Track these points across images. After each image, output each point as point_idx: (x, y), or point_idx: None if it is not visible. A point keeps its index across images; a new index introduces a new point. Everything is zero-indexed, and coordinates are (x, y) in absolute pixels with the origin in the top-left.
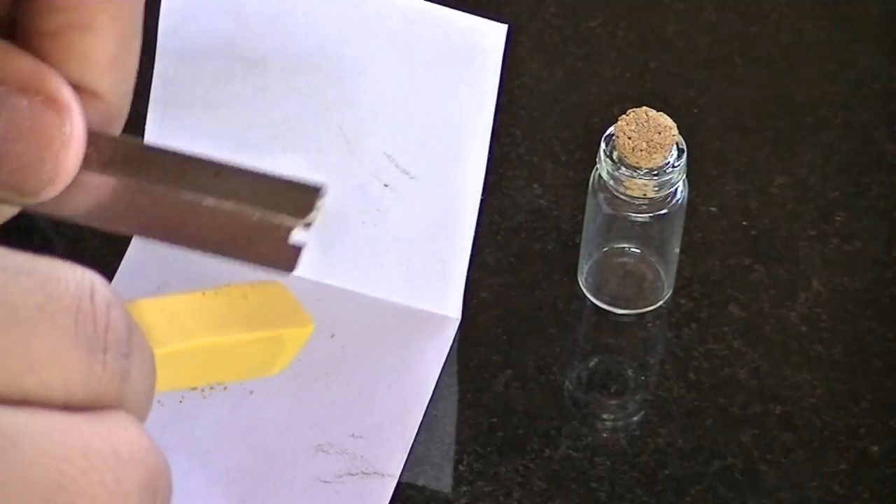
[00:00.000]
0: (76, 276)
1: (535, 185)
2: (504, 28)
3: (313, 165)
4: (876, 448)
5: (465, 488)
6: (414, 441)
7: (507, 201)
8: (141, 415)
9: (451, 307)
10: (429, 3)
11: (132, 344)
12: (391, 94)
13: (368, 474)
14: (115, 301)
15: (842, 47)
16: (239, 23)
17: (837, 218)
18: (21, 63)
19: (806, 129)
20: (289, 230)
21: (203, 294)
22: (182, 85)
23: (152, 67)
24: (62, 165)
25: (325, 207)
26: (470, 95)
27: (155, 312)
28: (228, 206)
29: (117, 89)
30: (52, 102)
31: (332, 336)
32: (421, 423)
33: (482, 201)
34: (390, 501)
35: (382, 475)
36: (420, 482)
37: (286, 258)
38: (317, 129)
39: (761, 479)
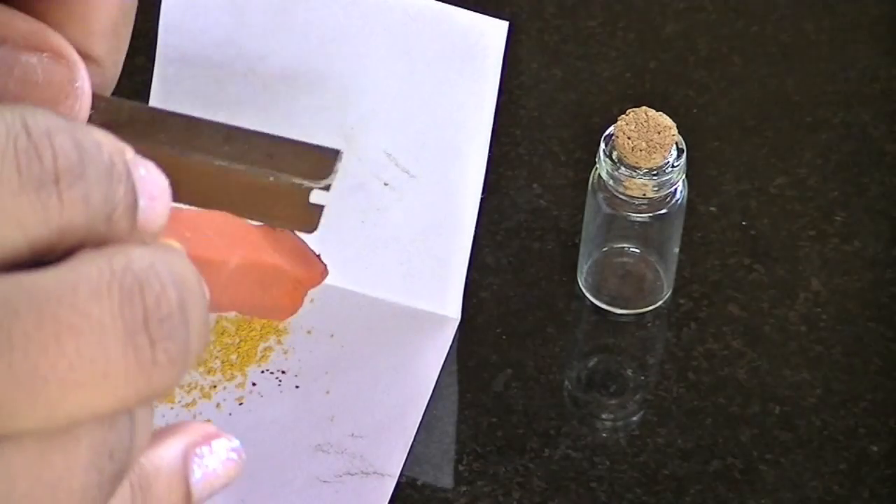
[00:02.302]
0: (3, 119)
1: (535, 185)
2: (505, 25)
3: None
4: (875, 448)
5: (464, 488)
6: (413, 441)
7: (506, 201)
8: (139, 226)
9: (451, 307)
10: (430, 1)
11: (86, 163)
12: (391, 92)
13: (368, 474)
14: (56, 126)
15: (842, 47)
16: (239, 21)
17: (837, 218)
18: (23, 23)
19: (806, 129)
20: (308, 191)
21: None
22: (182, 83)
23: (152, 66)
24: (76, 118)
25: (340, 172)
26: (470, 93)
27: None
28: (241, 167)
29: (113, 56)
30: (59, 58)
31: (332, 336)
32: (421, 423)
33: (482, 200)
34: (390, 501)
35: (382, 475)
36: (420, 482)
37: (307, 218)
38: (317, 127)
39: (761, 479)
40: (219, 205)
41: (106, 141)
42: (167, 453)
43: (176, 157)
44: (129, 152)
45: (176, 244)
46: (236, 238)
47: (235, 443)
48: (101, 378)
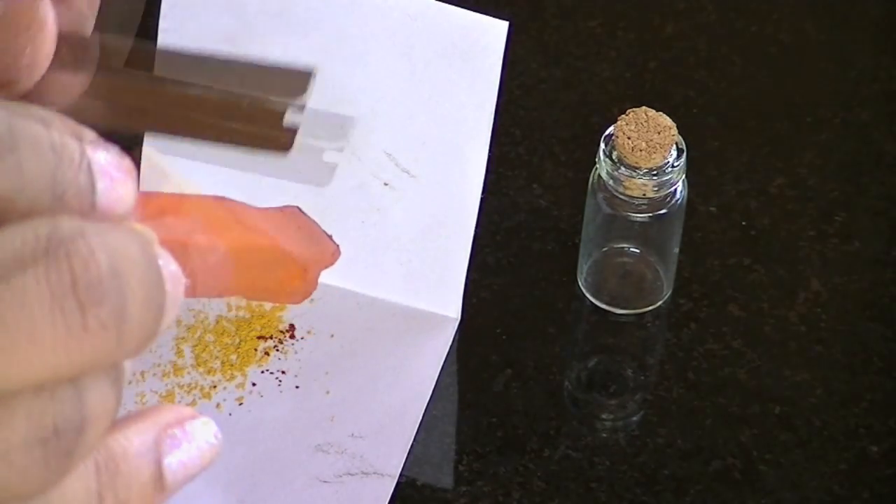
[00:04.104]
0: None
1: (535, 185)
2: (505, 25)
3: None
4: (875, 448)
5: (464, 488)
6: (413, 441)
7: (506, 201)
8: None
9: (451, 307)
10: (430, 1)
11: (18, 137)
12: (392, 91)
13: (368, 474)
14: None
15: (842, 47)
16: (240, 21)
17: (837, 218)
18: None
19: (806, 129)
20: (282, 112)
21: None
22: None
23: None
24: (39, 50)
25: (315, 88)
26: (471, 93)
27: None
28: (215, 93)
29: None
30: None
31: (332, 336)
32: (421, 423)
33: (482, 200)
34: (390, 501)
35: (382, 475)
36: (420, 482)
37: (282, 139)
38: None
39: (760, 479)
40: (194, 132)
41: (58, 121)
42: (138, 434)
43: (147, 88)
44: (88, 135)
45: (145, 229)
46: (228, 222)
47: (212, 426)
48: (28, 343)
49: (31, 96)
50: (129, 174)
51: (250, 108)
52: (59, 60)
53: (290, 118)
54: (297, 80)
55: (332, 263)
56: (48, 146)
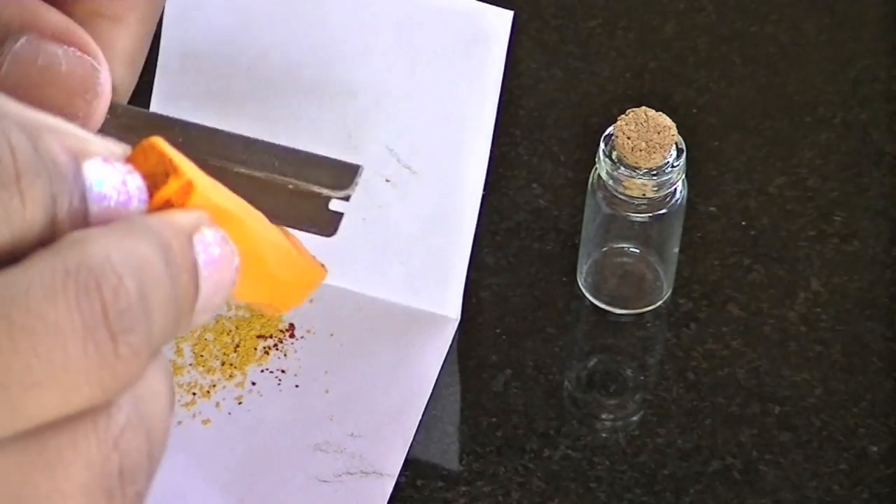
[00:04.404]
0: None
1: (535, 185)
2: (510, 15)
3: None
4: (875, 448)
5: (464, 488)
6: (413, 441)
7: (506, 201)
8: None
9: (451, 307)
10: None
11: (44, 161)
12: (394, 85)
13: (367, 474)
14: (7, 126)
15: (841, 47)
16: (243, 15)
17: (836, 218)
18: (53, 16)
19: (805, 129)
20: (327, 199)
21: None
22: (185, 77)
23: (155, 61)
24: (94, 115)
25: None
26: (473, 87)
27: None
28: (260, 175)
29: (128, 82)
30: (84, 53)
31: (332, 335)
32: (420, 423)
33: (483, 198)
34: (389, 501)
35: (381, 475)
36: (419, 482)
37: (326, 222)
38: (320, 121)
39: (760, 479)
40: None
41: (57, 141)
42: (179, 218)
43: (192, 161)
44: (93, 149)
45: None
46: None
47: (232, 244)
48: (62, 376)
49: None
50: (136, 192)
51: (297, 192)
52: (105, 127)
53: (334, 205)
54: (343, 174)
55: (320, 282)
56: (59, 170)
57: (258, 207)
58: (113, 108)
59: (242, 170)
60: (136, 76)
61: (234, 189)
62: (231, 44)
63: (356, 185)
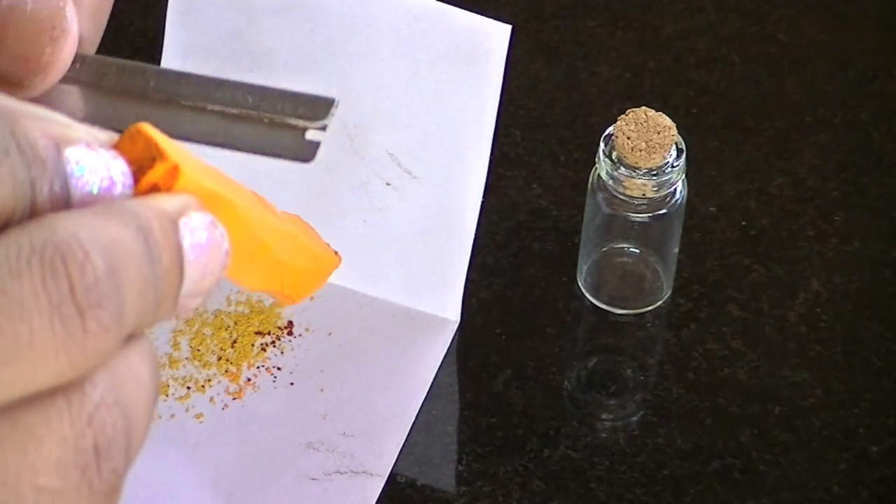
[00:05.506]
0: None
1: (535, 185)
2: (508, 28)
3: (316, 162)
4: (875, 448)
5: (464, 488)
6: (414, 441)
7: (506, 201)
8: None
9: (451, 309)
10: (433, 2)
11: (13, 140)
12: (395, 91)
13: (357, 473)
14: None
15: (842, 47)
16: (246, 17)
17: (836, 218)
18: None
19: (805, 129)
20: (304, 129)
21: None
22: None
23: (159, 60)
24: (60, 54)
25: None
26: (473, 95)
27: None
28: (234, 111)
29: (93, 34)
30: None
31: (330, 334)
32: (421, 424)
33: (482, 202)
34: (390, 501)
35: (371, 474)
36: (419, 482)
37: (303, 150)
38: None
39: (760, 479)
40: (211, 141)
41: (38, 127)
42: (164, 202)
43: (167, 105)
44: (76, 136)
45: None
46: (258, 201)
47: (221, 228)
48: (29, 352)
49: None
50: (120, 177)
51: (272, 122)
52: (73, 76)
53: (311, 134)
54: (318, 106)
55: (334, 269)
56: (31, 150)
57: (234, 140)
58: (82, 58)
59: (217, 107)
60: (101, 30)
61: (210, 126)
62: (233, 45)
63: (332, 115)
